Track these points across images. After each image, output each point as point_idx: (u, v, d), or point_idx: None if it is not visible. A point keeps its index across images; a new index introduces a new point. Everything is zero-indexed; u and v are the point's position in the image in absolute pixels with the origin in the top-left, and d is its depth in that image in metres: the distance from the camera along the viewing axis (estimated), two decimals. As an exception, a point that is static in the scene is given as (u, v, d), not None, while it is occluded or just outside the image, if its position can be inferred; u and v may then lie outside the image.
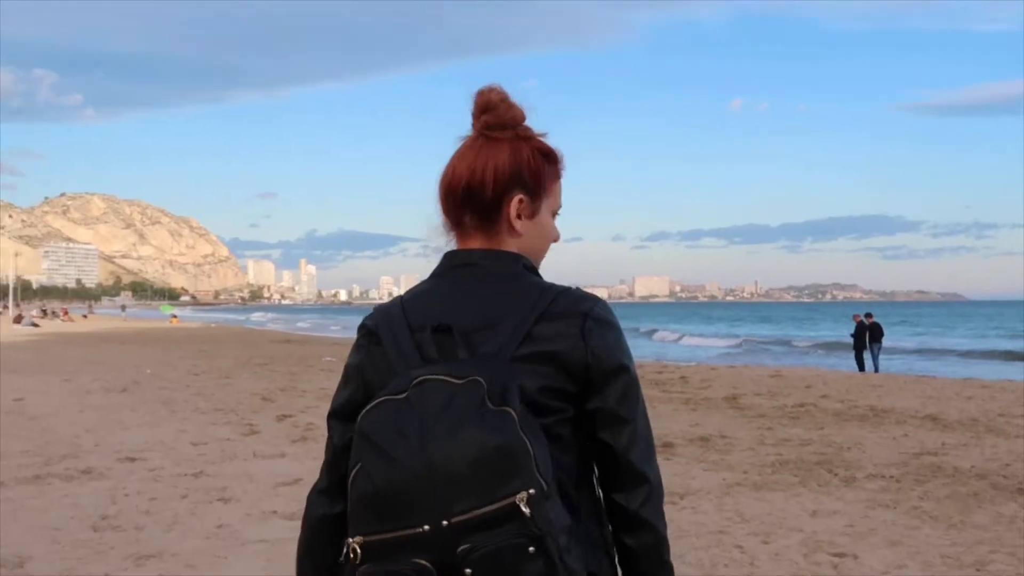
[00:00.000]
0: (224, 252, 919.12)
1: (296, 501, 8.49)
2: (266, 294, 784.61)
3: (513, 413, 1.71)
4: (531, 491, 1.64)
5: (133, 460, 10.57)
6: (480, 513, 1.64)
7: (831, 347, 49.77)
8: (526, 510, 1.63)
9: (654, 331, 69.91)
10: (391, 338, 1.95)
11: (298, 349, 37.94)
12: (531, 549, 1.63)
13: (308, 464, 10.45)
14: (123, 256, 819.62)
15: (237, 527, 7.66)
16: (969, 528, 7.84)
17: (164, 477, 9.68)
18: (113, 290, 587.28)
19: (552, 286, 1.95)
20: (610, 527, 1.94)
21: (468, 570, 1.62)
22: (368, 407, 1.79)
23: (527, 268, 1.98)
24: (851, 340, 32.00)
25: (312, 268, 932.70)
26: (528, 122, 2.01)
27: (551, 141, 2.04)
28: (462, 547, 1.63)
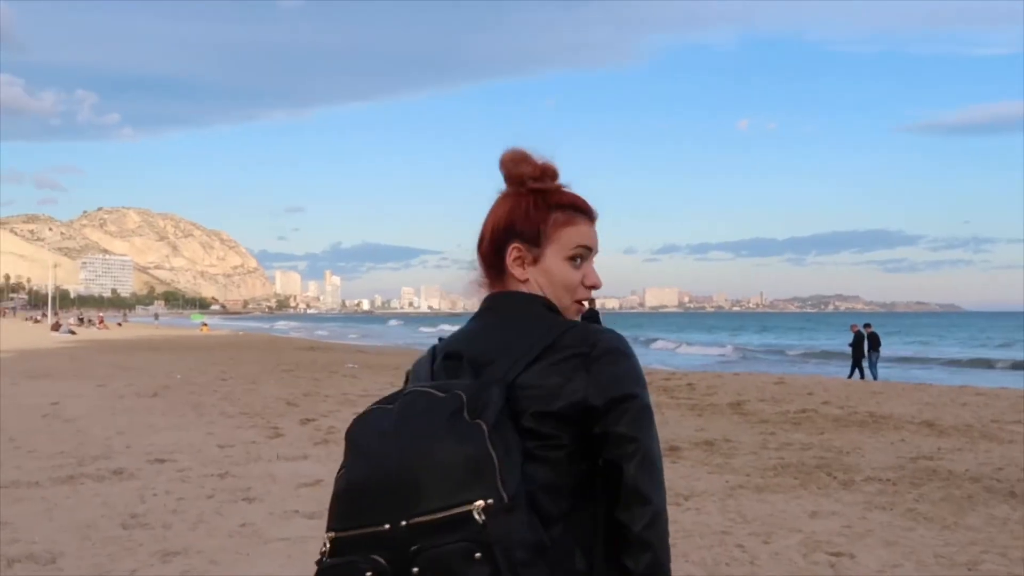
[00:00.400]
0: (253, 264, 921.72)
1: (317, 501, 8.51)
2: (292, 303, 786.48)
3: (484, 426, 1.73)
4: (489, 501, 1.67)
5: (162, 461, 10.60)
6: (436, 517, 1.66)
7: (825, 356, 49.63)
8: (480, 518, 1.65)
9: (654, 340, 69.59)
10: (416, 370, 2.08)
11: (322, 356, 37.99)
12: (477, 555, 1.64)
13: (329, 466, 10.45)
14: (156, 267, 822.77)
15: (260, 526, 7.67)
16: (962, 529, 7.81)
17: (191, 478, 9.71)
18: (147, 299, 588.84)
19: (565, 322, 1.96)
20: (605, 561, 1.87)
21: (415, 569, 1.65)
22: (359, 414, 1.86)
23: (546, 307, 2.00)
24: (849, 349, 31.95)
25: (336, 279, 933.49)
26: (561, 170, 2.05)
27: (579, 187, 2.06)
28: (413, 547, 1.66)
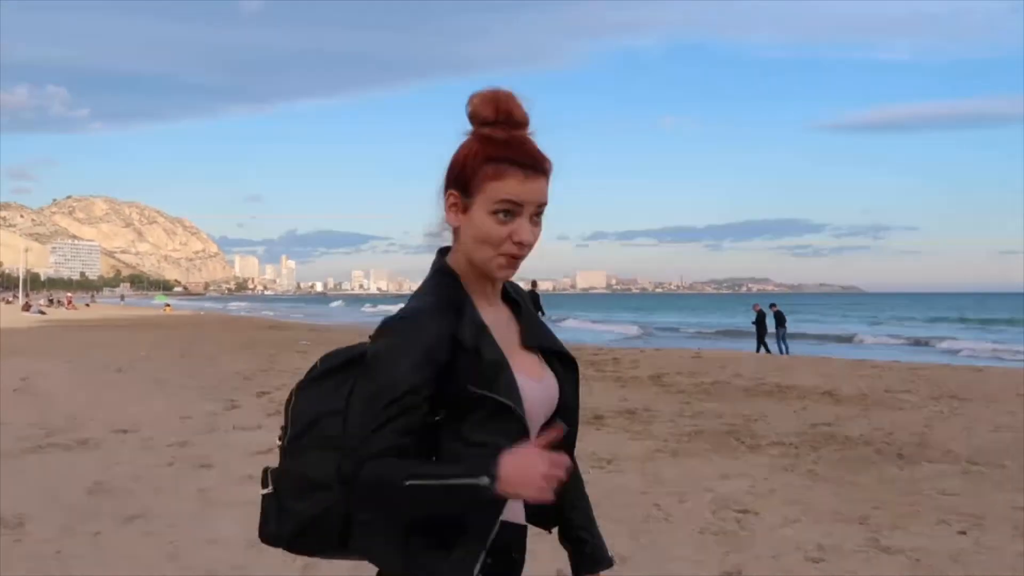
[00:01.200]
0: (214, 248, 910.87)
1: (270, 467, 8.47)
2: (250, 286, 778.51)
3: (300, 380, 1.97)
4: (278, 443, 1.94)
5: (126, 432, 10.47)
6: None
7: (725, 334, 49.55)
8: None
9: (564, 319, 68.81)
10: None
11: (277, 334, 37.67)
12: (262, 485, 1.97)
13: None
14: (123, 252, 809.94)
15: (217, 491, 7.60)
16: (856, 488, 7.95)
17: (153, 447, 9.59)
18: (114, 282, 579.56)
19: (422, 288, 1.89)
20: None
21: None
22: None
23: (438, 269, 1.89)
24: (753, 327, 32.35)
25: (292, 263, 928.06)
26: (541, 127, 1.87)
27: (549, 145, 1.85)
28: None
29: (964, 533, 6.46)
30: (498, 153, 1.78)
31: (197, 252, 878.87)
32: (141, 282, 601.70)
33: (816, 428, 11.33)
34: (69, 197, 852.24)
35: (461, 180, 1.81)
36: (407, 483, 1.66)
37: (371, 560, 1.83)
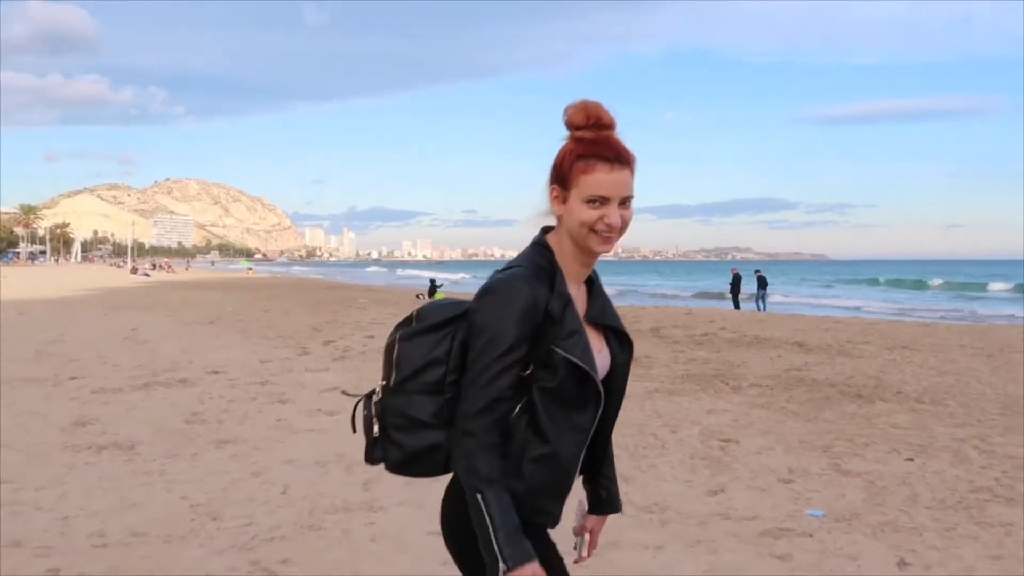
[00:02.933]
0: (287, 222, 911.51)
1: (334, 403, 8.55)
2: (318, 253, 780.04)
3: (399, 333, 1.92)
4: (383, 383, 1.90)
5: (216, 373, 10.59)
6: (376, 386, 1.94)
7: (701, 296, 48.29)
8: (378, 390, 1.91)
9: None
10: None
11: (339, 294, 37.79)
12: (364, 412, 1.93)
13: (345, 376, 10.50)
14: (212, 225, 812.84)
15: (291, 421, 7.70)
16: (821, 422, 7.95)
17: (239, 385, 9.71)
18: (205, 250, 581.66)
19: (518, 261, 1.88)
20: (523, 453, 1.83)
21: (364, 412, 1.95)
22: None
23: (536, 243, 1.90)
24: (729, 288, 32.22)
25: (352, 234, 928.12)
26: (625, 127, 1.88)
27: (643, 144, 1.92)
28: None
29: (911, 460, 6.45)
30: (588, 151, 1.81)
31: (274, 225, 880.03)
32: (228, 250, 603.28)
33: (788, 373, 11.30)
34: (167, 179, 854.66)
35: (560, 176, 1.84)
36: (477, 495, 1.74)
37: (458, 477, 1.84)
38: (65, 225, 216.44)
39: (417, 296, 32.04)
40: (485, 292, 1.82)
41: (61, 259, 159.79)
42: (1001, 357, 13.43)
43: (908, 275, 76.68)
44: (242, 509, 4.99)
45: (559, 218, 1.88)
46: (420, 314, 1.93)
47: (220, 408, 8.25)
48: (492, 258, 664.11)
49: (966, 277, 69.10)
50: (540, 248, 1.89)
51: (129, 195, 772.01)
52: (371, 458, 1.95)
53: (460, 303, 1.93)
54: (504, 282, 1.81)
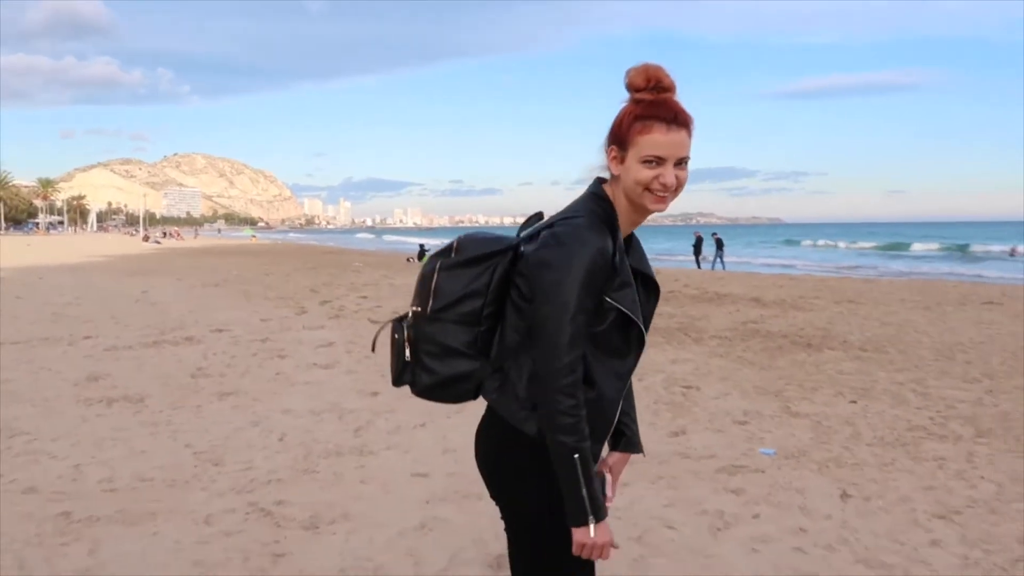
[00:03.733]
0: (288, 193, 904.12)
1: (330, 357, 8.49)
2: (316, 222, 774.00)
3: (439, 262, 1.82)
4: (418, 308, 1.83)
5: (220, 331, 10.49)
6: (410, 308, 1.87)
7: (664, 256, 48.02)
8: (410, 316, 1.85)
9: None
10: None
11: (336, 258, 37.58)
12: (396, 336, 1.86)
13: (339, 333, 10.43)
14: (218, 196, 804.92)
15: (289, 374, 7.63)
16: (773, 369, 7.97)
17: (241, 342, 9.62)
18: (212, 219, 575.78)
19: (574, 212, 1.78)
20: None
21: (396, 335, 1.88)
22: None
23: (594, 193, 1.81)
24: (691, 249, 32.26)
25: (348, 204, 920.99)
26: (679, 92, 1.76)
27: (689, 106, 1.75)
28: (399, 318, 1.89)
29: (854, 402, 6.49)
30: (646, 112, 1.72)
31: (275, 196, 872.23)
32: (233, 219, 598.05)
33: (745, 325, 11.33)
34: (175, 154, 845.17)
35: (619, 137, 1.76)
36: (574, 455, 1.67)
37: (499, 409, 1.80)
38: (81, 197, 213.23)
39: (408, 260, 31.88)
40: (553, 243, 1.72)
41: (78, 229, 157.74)
42: (937, 310, 13.53)
43: (853, 237, 76.51)
44: (242, 455, 4.95)
45: (616, 177, 1.80)
46: (461, 245, 1.83)
47: (223, 363, 8.17)
48: (476, 224, 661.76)
49: (902, 238, 69.16)
50: (599, 198, 1.80)
51: (140, 169, 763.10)
52: (399, 381, 1.88)
53: (500, 238, 1.85)
54: (573, 235, 1.71)
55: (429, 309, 1.80)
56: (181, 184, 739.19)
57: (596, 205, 1.78)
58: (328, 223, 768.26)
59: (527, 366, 1.75)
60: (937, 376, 7.58)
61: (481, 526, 3.76)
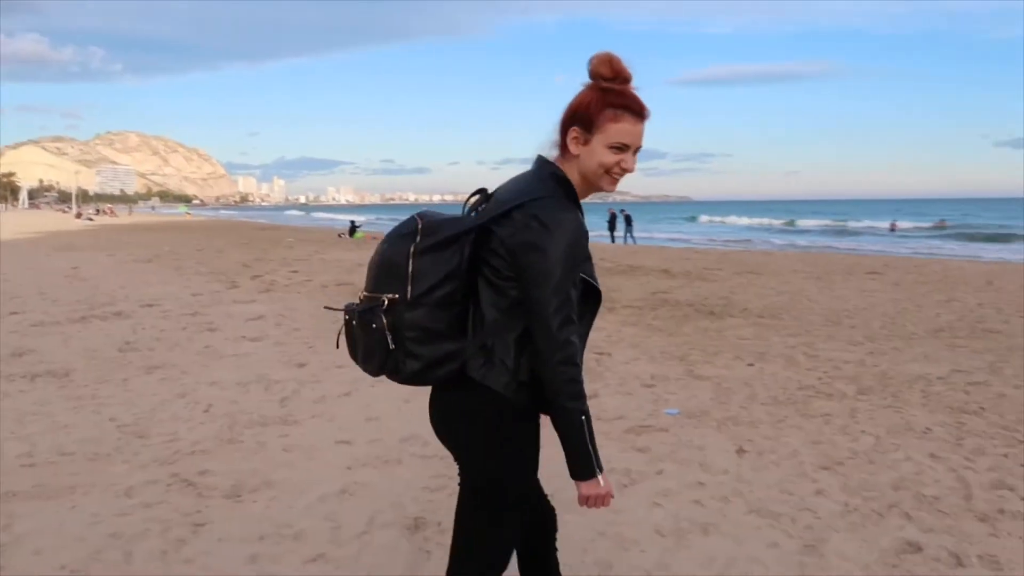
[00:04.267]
0: (222, 171, 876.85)
1: (259, 330, 8.25)
2: (250, 199, 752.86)
3: (413, 247, 1.73)
4: (394, 296, 1.72)
5: (151, 306, 10.08)
6: (368, 296, 1.77)
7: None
8: (385, 303, 1.73)
9: None
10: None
11: (270, 234, 36.61)
12: (373, 325, 1.73)
13: (270, 306, 10.14)
14: (152, 174, 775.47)
15: (218, 347, 7.37)
16: (680, 335, 8.08)
17: (171, 316, 9.26)
18: (146, 197, 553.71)
19: (542, 192, 1.76)
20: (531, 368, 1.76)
21: (354, 322, 1.79)
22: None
23: (554, 173, 1.81)
24: (606, 225, 32.61)
25: (282, 182, 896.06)
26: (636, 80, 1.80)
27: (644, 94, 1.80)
28: (360, 307, 1.78)
29: (752, 365, 6.62)
30: (617, 101, 1.76)
31: (209, 174, 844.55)
32: (168, 196, 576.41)
33: (655, 295, 11.47)
34: (108, 132, 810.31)
35: (584, 120, 1.78)
36: (582, 417, 1.73)
37: (490, 384, 1.76)
38: (11, 175, 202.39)
39: (339, 236, 31.31)
40: (537, 226, 1.71)
41: (8, 206, 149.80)
42: (826, 279, 13.97)
43: (753, 214, 78.39)
44: (167, 427, 4.75)
45: (575, 157, 1.81)
46: (427, 228, 1.77)
47: (152, 337, 7.84)
48: (407, 202, 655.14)
49: (795, 215, 71.06)
50: (560, 179, 1.82)
51: (72, 147, 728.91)
52: (383, 370, 1.79)
53: (460, 218, 1.83)
54: (554, 217, 1.72)
55: (410, 295, 1.73)
56: (114, 162, 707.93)
57: (559, 185, 1.80)
58: (262, 201, 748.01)
59: (513, 342, 1.76)
60: (825, 340, 7.81)
61: (399, 491, 3.69)
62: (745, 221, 63.71)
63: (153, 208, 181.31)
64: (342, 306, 1.85)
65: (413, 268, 1.72)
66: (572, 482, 1.79)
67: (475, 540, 1.95)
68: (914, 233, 43.07)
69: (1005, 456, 4.26)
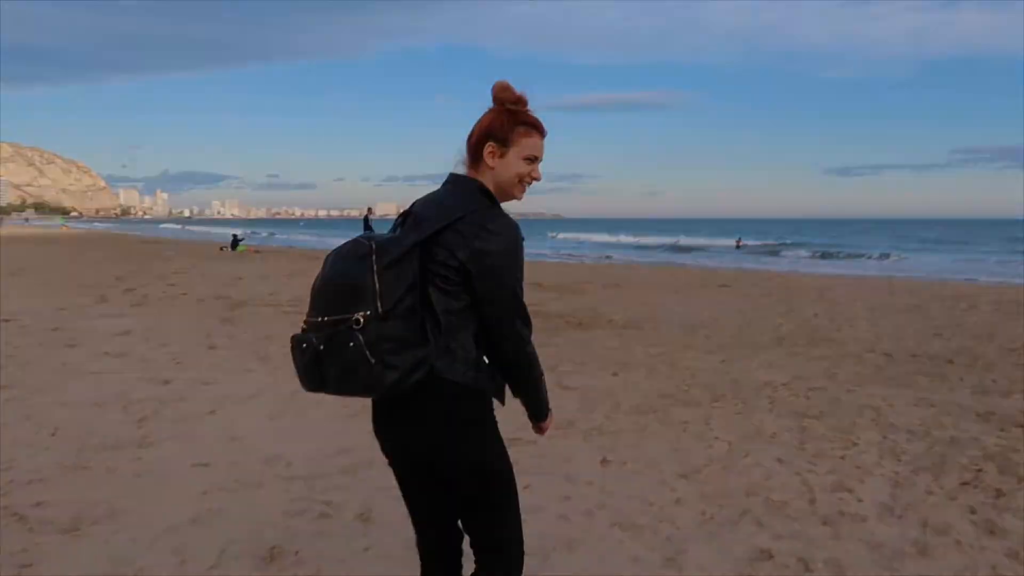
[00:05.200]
0: (102, 184, 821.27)
1: (124, 346, 7.54)
2: (133, 212, 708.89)
3: (376, 267, 1.73)
4: (367, 312, 1.71)
5: (8, 321, 9.04)
6: (335, 319, 1.73)
7: None
8: (358, 323, 1.70)
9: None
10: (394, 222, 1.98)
11: (149, 247, 34.40)
12: (351, 344, 1.71)
13: (139, 320, 9.34)
14: (28, 185, 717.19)
15: (77, 364, 6.64)
16: (551, 347, 7.93)
17: (30, 332, 8.33)
18: (20, 208, 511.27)
19: (477, 206, 1.85)
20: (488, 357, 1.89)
21: (322, 347, 1.73)
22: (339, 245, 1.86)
23: (481, 191, 1.90)
24: None
25: (165, 195, 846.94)
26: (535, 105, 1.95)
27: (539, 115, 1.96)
28: (327, 333, 1.73)
29: (616, 374, 6.59)
30: (526, 119, 1.92)
31: (89, 186, 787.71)
32: (44, 208, 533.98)
33: (528, 308, 11.36)
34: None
35: (499, 137, 1.90)
36: (541, 377, 2.01)
37: (452, 376, 1.80)
38: None
39: (221, 249, 29.76)
40: (490, 235, 1.81)
41: None
42: (685, 292, 14.36)
43: (619, 231, 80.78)
44: (5, 454, 4.14)
45: (491, 169, 1.91)
46: (382, 248, 1.77)
47: (4, 354, 6.99)
48: (293, 217, 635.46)
49: (659, 233, 73.80)
50: (485, 192, 1.90)
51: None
52: (364, 387, 1.75)
53: (402, 236, 1.83)
54: (502, 225, 1.83)
55: (381, 309, 1.73)
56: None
57: (486, 196, 1.90)
58: (145, 214, 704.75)
59: (470, 338, 1.84)
60: (682, 349, 7.91)
61: (256, 517, 3.32)
62: (605, 238, 65.45)
63: (27, 220, 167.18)
64: (289, 340, 1.83)
65: (380, 285, 1.74)
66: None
67: (495, 535, 1.99)
68: (758, 249, 45.49)
69: (842, 458, 4.34)
